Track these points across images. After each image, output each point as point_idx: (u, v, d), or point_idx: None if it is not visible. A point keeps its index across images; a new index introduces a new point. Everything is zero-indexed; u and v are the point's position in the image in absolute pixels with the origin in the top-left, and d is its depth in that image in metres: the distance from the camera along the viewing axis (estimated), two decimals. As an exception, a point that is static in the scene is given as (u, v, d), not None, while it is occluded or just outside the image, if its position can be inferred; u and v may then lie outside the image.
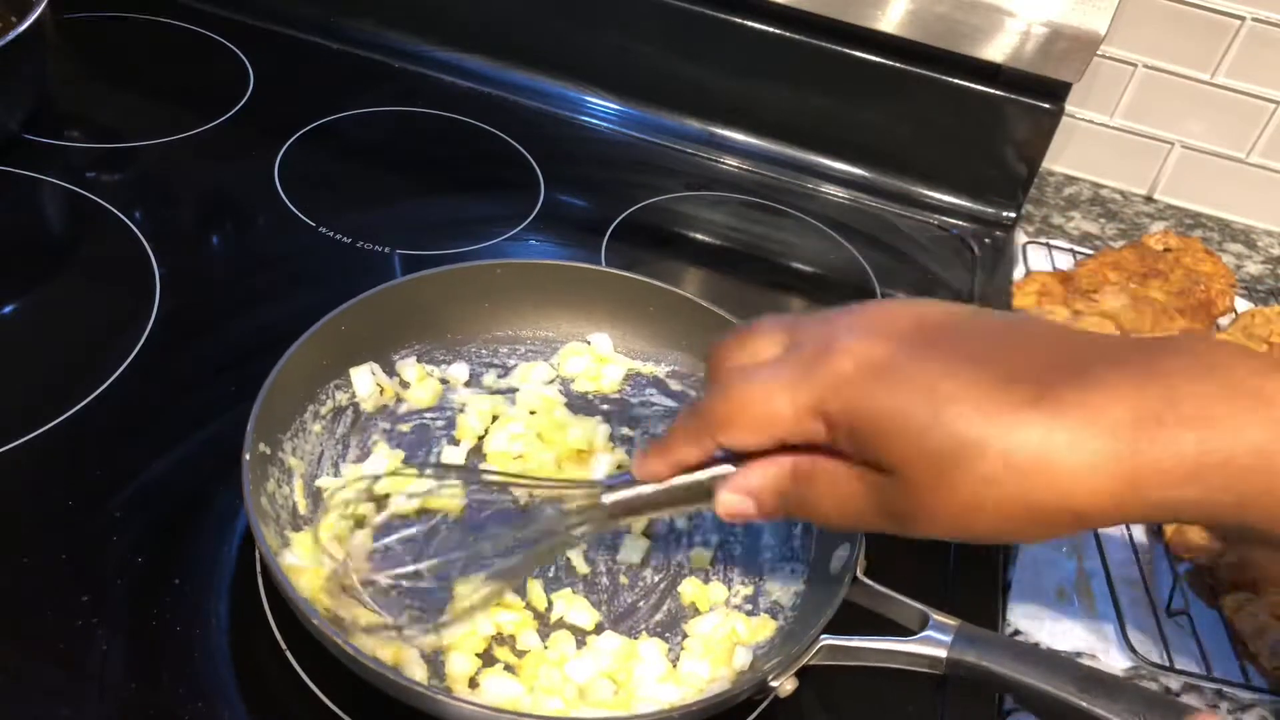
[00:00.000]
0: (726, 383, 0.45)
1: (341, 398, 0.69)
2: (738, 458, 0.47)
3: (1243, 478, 0.38)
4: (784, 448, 0.45)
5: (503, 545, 0.55)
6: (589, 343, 0.77)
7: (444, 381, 0.73)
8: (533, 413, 0.73)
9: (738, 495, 0.46)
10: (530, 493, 0.62)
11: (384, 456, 0.68)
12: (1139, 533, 0.74)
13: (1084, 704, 0.50)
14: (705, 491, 0.48)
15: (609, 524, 0.52)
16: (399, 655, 0.56)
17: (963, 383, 0.40)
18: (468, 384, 0.74)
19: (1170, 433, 0.38)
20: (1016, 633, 0.67)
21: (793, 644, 0.56)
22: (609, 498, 0.51)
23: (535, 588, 0.62)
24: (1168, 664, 0.66)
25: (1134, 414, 0.39)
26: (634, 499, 0.50)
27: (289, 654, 0.57)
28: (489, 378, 0.75)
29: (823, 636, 0.55)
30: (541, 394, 0.73)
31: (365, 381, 0.70)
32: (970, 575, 0.70)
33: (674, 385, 0.77)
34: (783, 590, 0.65)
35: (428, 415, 0.72)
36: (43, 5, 0.82)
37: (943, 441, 0.40)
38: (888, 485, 0.42)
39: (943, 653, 0.54)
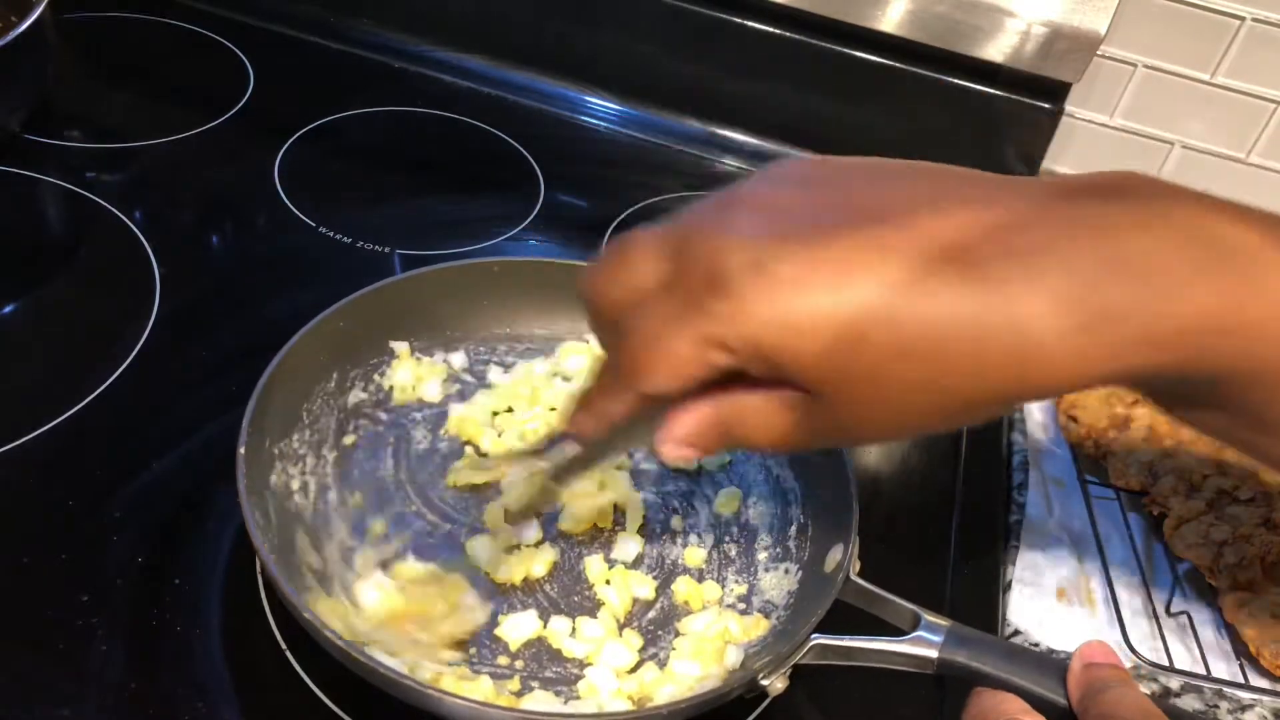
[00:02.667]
0: (619, 328, 0.40)
1: (339, 393, 0.70)
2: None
3: (1200, 339, 0.34)
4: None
5: None
6: (588, 341, 0.77)
7: (449, 369, 0.74)
8: (553, 409, 0.73)
9: (672, 446, 0.42)
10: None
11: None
12: (1139, 533, 0.74)
13: None
14: (635, 442, 0.49)
15: (560, 489, 0.55)
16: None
17: (881, 276, 0.34)
18: (468, 373, 0.75)
19: (1112, 293, 0.33)
20: (1016, 632, 0.67)
21: (784, 643, 0.57)
22: (545, 462, 0.53)
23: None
24: (1168, 664, 0.66)
25: (1072, 280, 0.33)
26: (573, 463, 0.51)
27: (289, 654, 0.57)
28: (492, 374, 0.75)
29: (814, 636, 0.55)
30: (563, 388, 0.74)
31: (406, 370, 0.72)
32: (969, 575, 0.70)
33: None
34: (776, 589, 0.65)
35: (418, 412, 0.72)
36: (43, 5, 0.82)
37: (869, 353, 0.34)
38: (813, 406, 0.37)
39: (934, 653, 0.54)
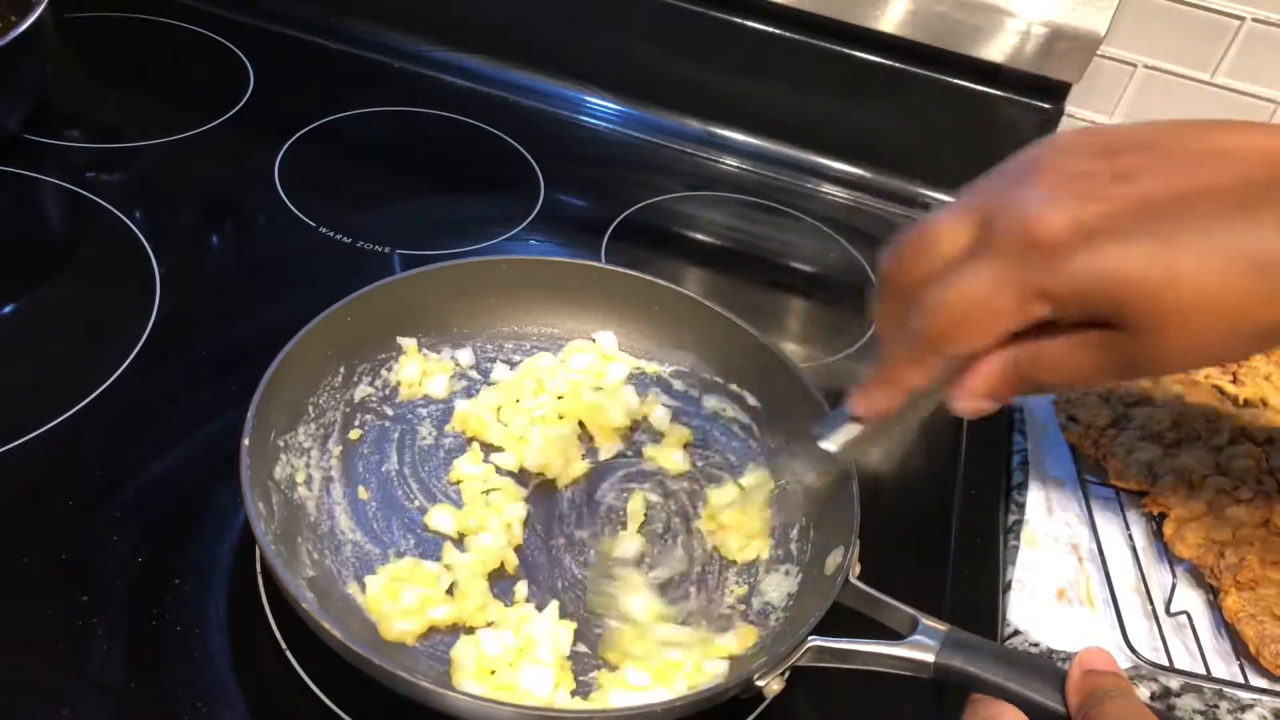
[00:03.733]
0: (928, 296, 0.43)
1: (345, 387, 0.70)
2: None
3: None
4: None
5: None
6: (594, 340, 0.77)
7: (456, 366, 0.75)
8: (560, 397, 0.73)
9: (971, 400, 0.45)
10: None
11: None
12: (1139, 533, 0.74)
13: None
14: (927, 409, 0.48)
15: (833, 469, 0.53)
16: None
17: (1195, 225, 0.39)
18: (474, 370, 0.76)
19: None
20: (1016, 632, 0.67)
21: (780, 645, 0.57)
22: (833, 446, 0.51)
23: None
24: (1167, 664, 0.66)
25: None
26: (861, 439, 0.50)
27: (289, 654, 0.57)
28: (498, 371, 0.75)
29: (810, 638, 0.55)
30: (570, 378, 0.74)
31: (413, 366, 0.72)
32: (969, 575, 0.70)
33: (677, 385, 0.77)
34: (776, 591, 0.65)
35: (424, 408, 0.73)
36: (43, 5, 0.82)
37: (1187, 291, 0.39)
38: (1119, 342, 0.41)
39: (930, 657, 0.54)
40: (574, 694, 0.58)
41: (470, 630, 0.60)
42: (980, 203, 0.44)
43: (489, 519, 0.65)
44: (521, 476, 0.70)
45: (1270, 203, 0.39)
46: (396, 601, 0.59)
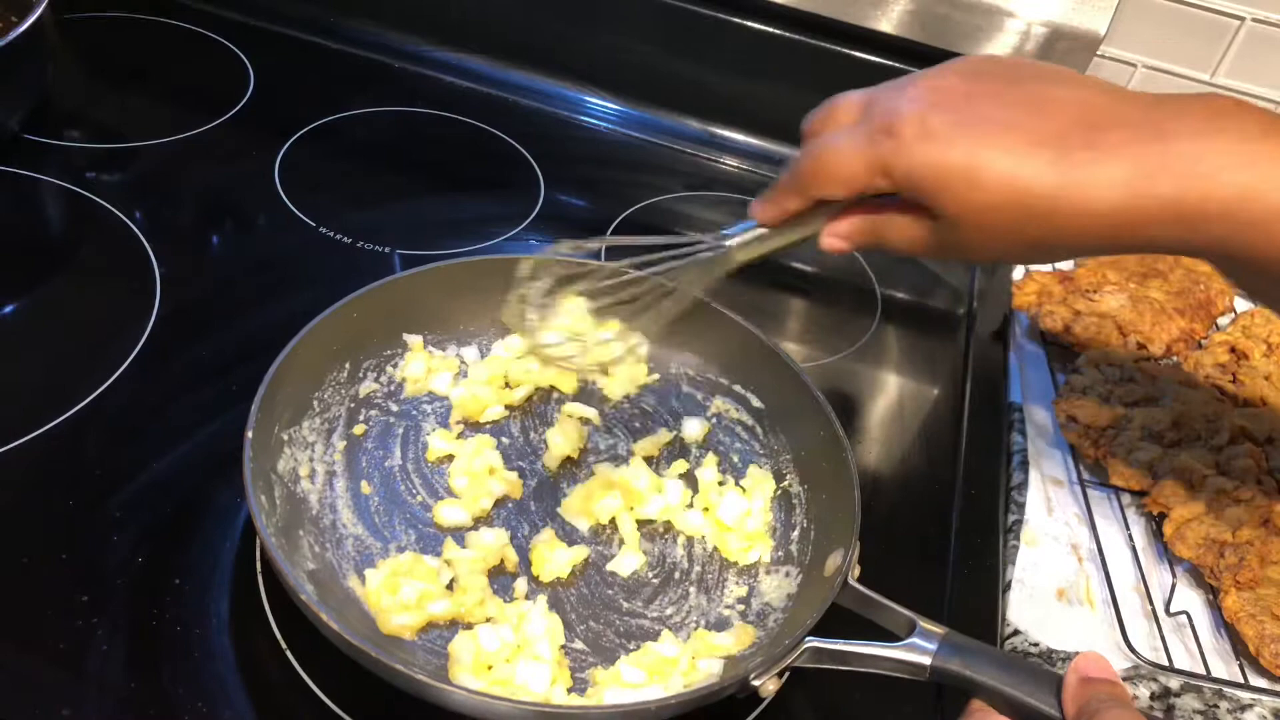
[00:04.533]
0: (811, 146, 0.56)
1: (351, 382, 0.70)
2: (830, 203, 0.57)
3: (1224, 215, 0.47)
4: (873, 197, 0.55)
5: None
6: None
7: (461, 363, 0.75)
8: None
9: (833, 238, 0.57)
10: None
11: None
12: (1139, 533, 0.74)
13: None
14: (806, 231, 0.59)
15: (732, 263, 0.61)
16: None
17: (999, 146, 0.49)
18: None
19: (1158, 184, 0.47)
20: (1016, 632, 0.67)
21: (778, 645, 0.57)
22: (733, 240, 0.60)
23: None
24: (1167, 664, 0.66)
25: (1131, 171, 0.48)
26: (755, 239, 0.60)
27: (289, 654, 0.57)
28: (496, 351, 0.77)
29: (808, 639, 0.55)
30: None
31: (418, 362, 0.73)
32: (969, 575, 0.70)
33: (685, 387, 0.77)
34: (776, 592, 0.65)
35: (428, 404, 0.73)
36: (43, 5, 0.82)
37: (980, 195, 0.50)
38: (941, 227, 0.52)
39: (927, 660, 0.54)
40: (570, 690, 0.58)
41: (469, 626, 0.60)
42: (873, 93, 0.55)
43: (480, 483, 0.67)
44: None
45: (1053, 145, 0.49)
46: (395, 595, 0.59)
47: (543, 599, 0.62)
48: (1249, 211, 0.47)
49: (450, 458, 0.70)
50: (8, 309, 0.76)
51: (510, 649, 0.58)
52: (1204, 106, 0.49)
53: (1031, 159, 0.49)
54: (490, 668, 0.58)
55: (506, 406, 0.73)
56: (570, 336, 0.68)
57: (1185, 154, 0.48)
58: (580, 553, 0.65)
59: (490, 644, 0.58)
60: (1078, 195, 0.49)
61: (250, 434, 0.58)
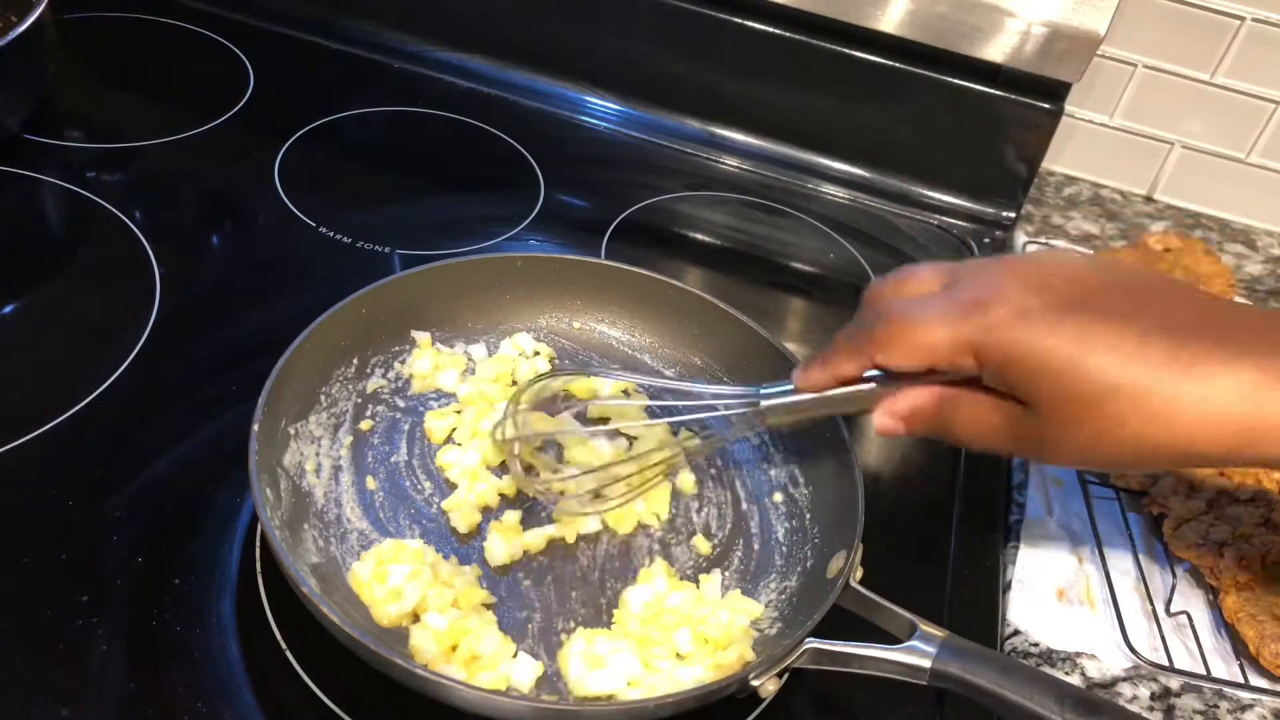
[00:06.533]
0: (887, 310, 0.51)
1: (358, 378, 0.70)
2: (890, 376, 0.53)
3: None
4: (931, 373, 0.51)
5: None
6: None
7: (469, 360, 0.75)
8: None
9: (890, 419, 0.53)
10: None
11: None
12: (1139, 533, 0.74)
13: None
14: (853, 406, 0.55)
15: (760, 425, 0.58)
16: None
17: (1107, 335, 0.46)
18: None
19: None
20: (1016, 632, 0.67)
21: (777, 645, 0.57)
22: (766, 402, 0.57)
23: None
24: (1167, 664, 0.66)
25: (1259, 375, 0.44)
26: (791, 404, 0.56)
27: (289, 654, 0.57)
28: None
29: (808, 640, 0.55)
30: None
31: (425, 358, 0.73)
32: (969, 575, 0.70)
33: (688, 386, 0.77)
34: (777, 594, 0.65)
35: (435, 401, 0.73)
36: (43, 5, 0.82)
37: (1084, 384, 0.46)
38: (1026, 417, 0.48)
39: (926, 663, 0.54)
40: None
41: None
42: (959, 268, 0.52)
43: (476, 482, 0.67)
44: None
45: (1174, 336, 0.45)
46: (385, 584, 0.59)
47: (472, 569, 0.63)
48: None
49: (450, 440, 0.70)
50: (8, 309, 0.76)
51: (460, 620, 0.58)
52: None
53: (1144, 351, 0.45)
54: (454, 648, 0.57)
55: None
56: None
57: None
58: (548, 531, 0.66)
59: (439, 623, 0.58)
60: (1196, 398, 0.44)
61: (256, 426, 0.58)
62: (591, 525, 0.66)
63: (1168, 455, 0.46)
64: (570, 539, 0.66)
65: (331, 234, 0.86)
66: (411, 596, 0.59)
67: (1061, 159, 1.12)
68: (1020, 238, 1.03)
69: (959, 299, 0.49)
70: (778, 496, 0.70)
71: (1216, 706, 0.65)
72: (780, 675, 0.55)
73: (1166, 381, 0.45)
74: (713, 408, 0.62)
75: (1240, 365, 0.44)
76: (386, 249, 0.86)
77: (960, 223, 1.04)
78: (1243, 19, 0.96)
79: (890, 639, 0.56)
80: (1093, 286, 0.48)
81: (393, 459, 0.69)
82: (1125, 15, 0.95)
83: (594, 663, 0.58)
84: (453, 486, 0.68)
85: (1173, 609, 0.69)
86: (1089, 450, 0.48)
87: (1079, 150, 1.10)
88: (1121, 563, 0.72)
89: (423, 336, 0.74)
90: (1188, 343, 0.45)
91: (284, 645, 0.58)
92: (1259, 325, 0.46)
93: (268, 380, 0.61)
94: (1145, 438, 0.46)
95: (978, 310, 0.48)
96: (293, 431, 0.64)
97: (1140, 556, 0.72)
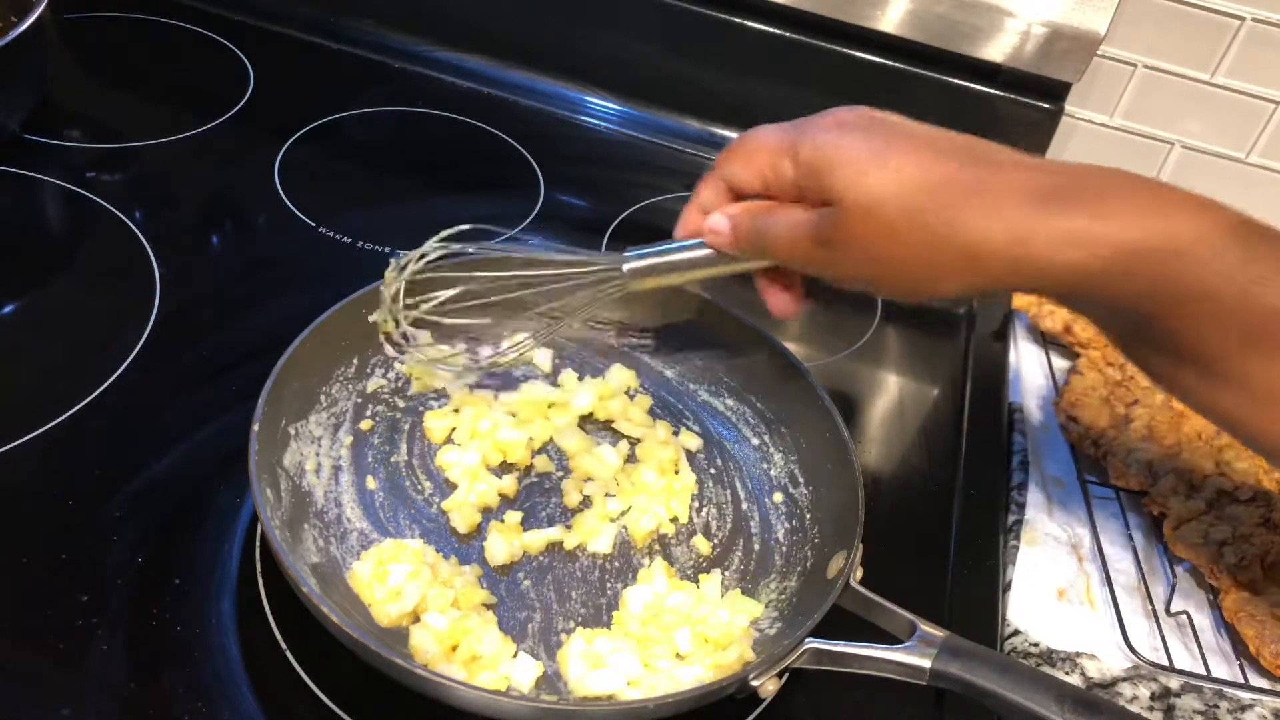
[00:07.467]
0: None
1: (358, 378, 0.70)
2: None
3: (1130, 258, 0.47)
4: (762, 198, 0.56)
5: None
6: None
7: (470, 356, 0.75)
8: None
9: (716, 221, 0.57)
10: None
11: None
12: (1139, 533, 0.74)
13: None
14: (708, 262, 0.59)
15: (631, 286, 0.61)
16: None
17: (906, 149, 0.51)
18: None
19: (1064, 208, 0.48)
20: (1016, 632, 0.67)
21: (777, 645, 0.57)
22: (629, 265, 0.60)
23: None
24: (1167, 664, 0.66)
25: (1039, 190, 0.48)
26: (653, 266, 0.61)
27: (289, 654, 0.57)
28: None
29: (808, 640, 0.55)
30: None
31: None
32: (969, 575, 0.70)
33: (690, 386, 0.77)
34: (777, 593, 0.65)
35: (435, 401, 0.73)
36: (43, 5, 0.82)
37: (878, 181, 0.50)
38: (827, 213, 0.52)
39: (926, 663, 0.54)
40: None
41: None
42: (796, 123, 0.56)
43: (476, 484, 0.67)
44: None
45: (966, 150, 0.50)
46: (385, 584, 0.59)
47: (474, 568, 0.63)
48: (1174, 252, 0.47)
49: (449, 440, 0.70)
50: (8, 309, 0.76)
51: (460, 619, 0.58)
52: (1128, 175, 0.52)
53: (937, 163, 0.50)
54: (455, 648, 0.57)
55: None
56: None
57: (1097, 189, 0.49)
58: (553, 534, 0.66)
59: (439, 623, 0.58)
60: (978, 207, 0.48)
61: (256, 426, 0.58)
62: (603, 545, 0.66)
63: (953, 261, 0.49)
64: (569, 546, 0.66)
65: (331, 234, 0.86)
66: (411, 596, 0.59)
67: (1061, 159, 1.12)
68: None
69: (792, 124, 0.55)
70: (778, 496, 0.70)
71: (1216, 706, 0.65)
72: (780, 675, 0.55)
73: (953, 188, 0.49)
74: (579, 277, 0.63)
75: (1021, 181, 0.48)
76: (386, 249, 0.86)
77: (960, 223, 1.04)
78: (1243, 19, 0.96)
79: (890, 639, 0.56)
80: (905, 125, 0.53)
81: (393, 459, 0.69)
82: (1125, 15, 0.95)
83: (594, 663, 0.58)
84: (453, 486, 0.68)
85: (1173, 609, 0.69)
86: (879, 250, 0.51)
87: (1079, 150, 1.10)
88: (1121, 563, 0.72)
89: (423, 336, 0.74)
90: (975, 163, 0.50)
91: (284, 645, 0.58)
92: (1061, 169, 0.51)
93: (268, 380, 0.61)
94: (932, 240, 0.49)
95: (804, 123, 0.54)
96: (293, 431, 0.64)
97: (1140, 556, 0.72)
